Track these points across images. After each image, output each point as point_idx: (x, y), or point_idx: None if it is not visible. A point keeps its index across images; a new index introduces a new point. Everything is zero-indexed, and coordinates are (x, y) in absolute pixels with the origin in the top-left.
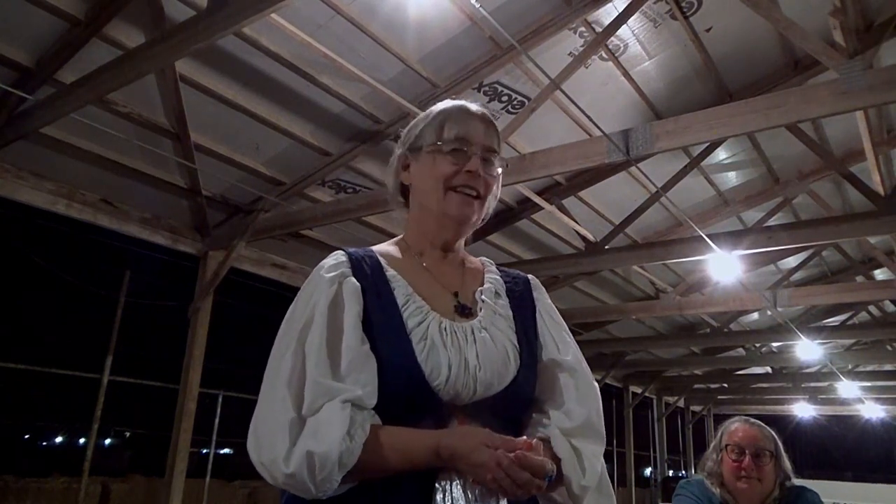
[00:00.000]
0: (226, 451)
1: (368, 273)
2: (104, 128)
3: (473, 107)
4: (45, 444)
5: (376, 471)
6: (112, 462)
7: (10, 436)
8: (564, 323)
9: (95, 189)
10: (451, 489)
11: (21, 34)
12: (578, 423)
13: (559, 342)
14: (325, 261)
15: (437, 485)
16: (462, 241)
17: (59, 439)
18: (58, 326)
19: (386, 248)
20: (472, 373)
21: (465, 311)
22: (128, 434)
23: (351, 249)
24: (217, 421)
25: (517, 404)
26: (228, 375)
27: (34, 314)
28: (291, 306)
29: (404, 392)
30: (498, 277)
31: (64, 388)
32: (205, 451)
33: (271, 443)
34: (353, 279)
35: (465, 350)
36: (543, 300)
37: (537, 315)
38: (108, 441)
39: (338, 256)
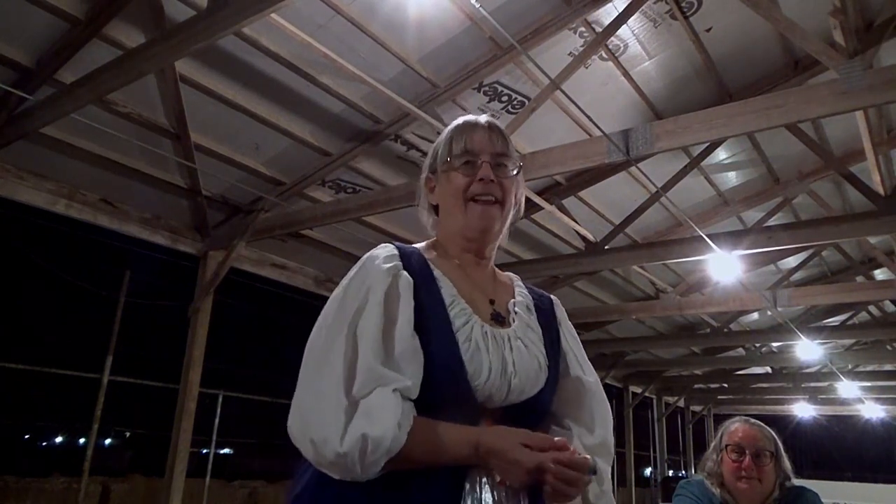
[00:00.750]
0: (226, 451)
1: (417, 270)
2: (104, 128)
3: (478, 118)
4: (45, 444)
5: (415, 461)
6: (112, 462)
7: (10, 436)
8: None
9: (95, 189)
10: (479, 487)
11: (21, 34)
12: (597, 441)
13: (582, 362)
14: (377, 251)
15: (466, 483)
16: (494, 249)
17: (59, 439)
18: (58, 326)
19: (425, 248)
20: (507, 378)
21: (499, 319)
22: (128, 434)
23: (398, 244)
24: (217, 421)
25: (540, 414)
26: (228, 375)
27: (34, 314)
28: (340, 291)
29: (446, 389)
30: (527, 293)
31: (64, 388)
32: (205, 451)
33: (322, 421)
34: (407, 274)
35: (505, 355)
36: (565, 320)
37: (561, 334)
38: (108, 441)
39: (390, 249)
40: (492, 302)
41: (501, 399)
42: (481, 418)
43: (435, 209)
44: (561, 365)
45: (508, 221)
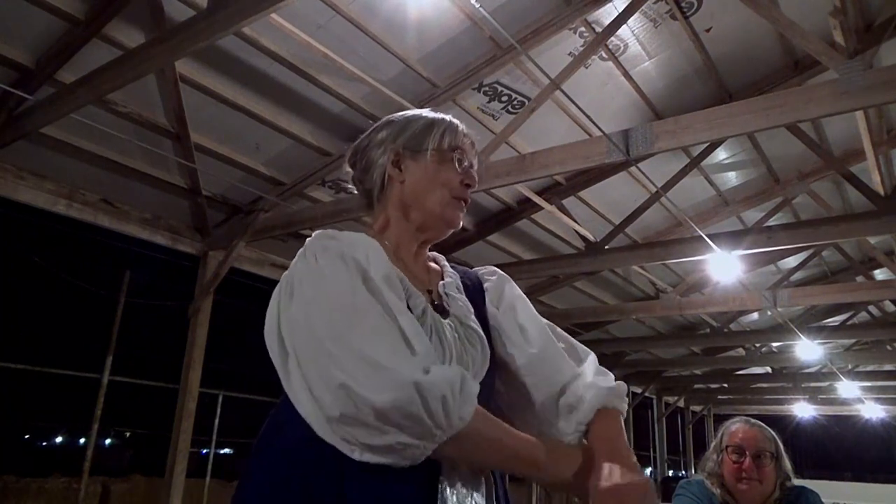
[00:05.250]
0: (226, 451)
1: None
2: (104, 128)
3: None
4: (45, 444)
5: (481, 447)
6: (112, 462)
7: (10, 436)
8: (530, 305)
9: (95, 189)
10: (454, 486)
11: (21, 34)
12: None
13: (538, 333)
14: (323, 235)
15: (440, 477)
16: None
17: (59, 439)
18: (58, 326)
19: None
20: (464, 366)
21: (441, 308)
22: (128, 434)
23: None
24: (217, 421)
25: (486, 399)
26: (228, 375)
27: (34, 314)
28: (309, 280)
29: None
30: (452, 272)
31: (64, 388)
32: (205, 451)
33: (409, 363)
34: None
35: (460, 343)
36: (500, 290)
37: (498, 306)
38: (108, 441)
39: (336, 232)
40: (429, 292)
41: None
42: None
43: (367, 191)
44: (493, 343)
45: None
